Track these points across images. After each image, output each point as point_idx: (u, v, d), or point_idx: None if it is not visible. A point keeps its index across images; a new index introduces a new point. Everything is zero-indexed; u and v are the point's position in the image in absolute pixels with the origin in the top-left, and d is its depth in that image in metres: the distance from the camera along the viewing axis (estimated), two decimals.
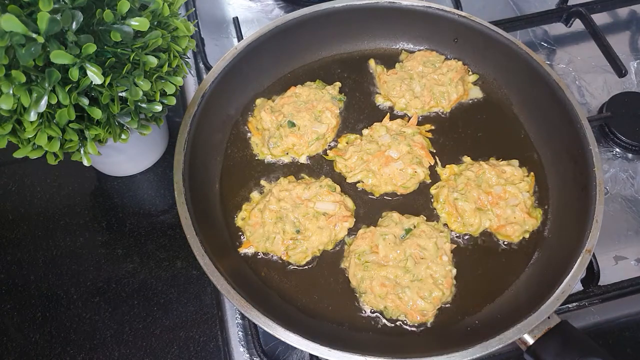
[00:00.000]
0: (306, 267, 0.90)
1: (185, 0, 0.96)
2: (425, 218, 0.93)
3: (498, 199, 0.92)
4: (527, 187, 0.94)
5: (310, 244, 0.89)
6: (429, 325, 0.84)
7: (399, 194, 0.97)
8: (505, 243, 0.92)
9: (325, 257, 0.91)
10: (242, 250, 0.91)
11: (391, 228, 0.90)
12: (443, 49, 1.13)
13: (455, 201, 0.92)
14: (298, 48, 1.11)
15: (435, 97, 1.06)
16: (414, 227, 0.90)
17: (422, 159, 0.98)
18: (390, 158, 0.97)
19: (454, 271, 0.87)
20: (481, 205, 0.92)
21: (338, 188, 0.95)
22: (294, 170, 1.00)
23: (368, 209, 0.96)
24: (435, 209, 0.96)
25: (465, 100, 1.08)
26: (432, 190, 0.98)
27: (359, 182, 0.98)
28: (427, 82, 1.07)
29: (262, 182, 0.98)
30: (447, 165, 1.00)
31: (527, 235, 0.93)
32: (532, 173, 0.98)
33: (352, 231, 0.92)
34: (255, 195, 0.96)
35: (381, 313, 0.85)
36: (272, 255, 0.90)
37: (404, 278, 0.84)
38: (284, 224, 0.89)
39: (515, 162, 0.99)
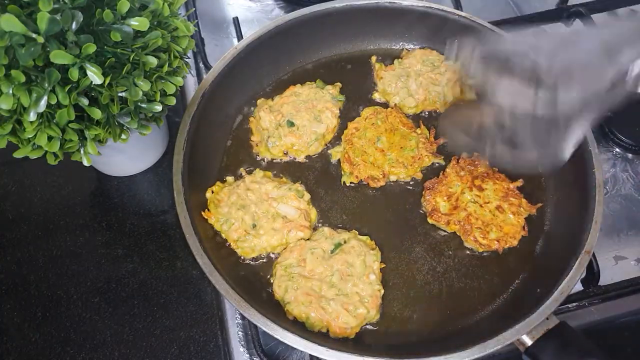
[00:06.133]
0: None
1: (185, 0, 0.96)
2: (357, 233, 0.92)
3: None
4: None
5: (259, 243, 0.89)
6: (427, 327, 0.84)
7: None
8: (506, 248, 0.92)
9: None
10: (205, 215, 0.90)
11: (320, 242, 0.89)
12: (443, 49, 1.12)
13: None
14: (298, 48, 1.11)
15: (431, 96, 1.05)
16: (344, 242, 0.89)
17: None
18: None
19: (382, 291, 0.85)
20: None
21: (307, 196, 0.94)
22: (293, 170, 1.00)
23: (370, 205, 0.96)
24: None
25: (460, 101, 1.07)
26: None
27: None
28: (424, 81, 1.06)
29: (241, 170, 0.99)
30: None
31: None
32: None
33: None
34: (230, 179, 0.97)
35: (304, 325, 0.82)
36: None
37: (329, 292, 0.83)
38: (245, 213, 0.90)
39: None
